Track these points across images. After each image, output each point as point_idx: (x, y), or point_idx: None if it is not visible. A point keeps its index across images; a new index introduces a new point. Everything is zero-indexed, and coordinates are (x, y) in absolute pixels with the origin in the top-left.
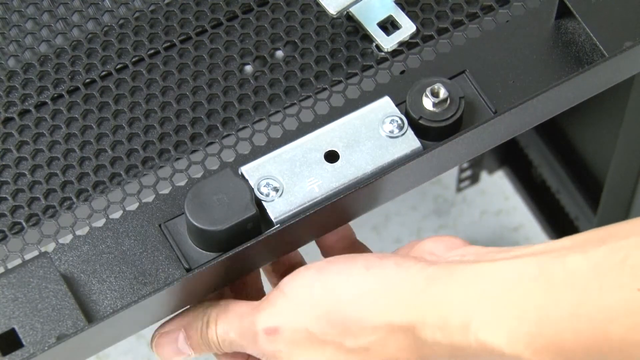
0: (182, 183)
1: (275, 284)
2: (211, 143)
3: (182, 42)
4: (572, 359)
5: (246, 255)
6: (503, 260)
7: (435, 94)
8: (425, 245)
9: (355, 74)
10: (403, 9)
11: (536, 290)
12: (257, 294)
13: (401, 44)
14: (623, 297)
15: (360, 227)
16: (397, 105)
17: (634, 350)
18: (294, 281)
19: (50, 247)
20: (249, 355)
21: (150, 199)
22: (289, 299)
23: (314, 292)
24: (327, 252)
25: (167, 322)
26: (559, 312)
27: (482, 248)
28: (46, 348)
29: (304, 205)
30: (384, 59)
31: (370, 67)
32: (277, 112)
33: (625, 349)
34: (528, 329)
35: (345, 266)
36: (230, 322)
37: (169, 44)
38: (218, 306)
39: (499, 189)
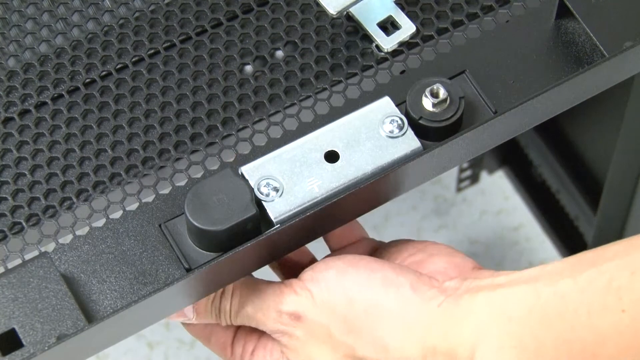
0: (182, 183)
1: (281, 276)
2: (211, 143)
3: (182, 42)
4: None
5: (246, 257)
6: (502, 288)
7: (435, 94)
8: (438, 264)
9: (355, 74)
10: (403, 9)
11: (532, 319)
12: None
13: (401, 44)
14: (610, 319)
15: None
16: (397, 105)
17: None
18: (317, 281)
19: (50, 247)
20: (252, 330)
21: (150, 199)
22: (313, 296)
23: (336, 298)
24: (332, 239)
25: None
26: (554, 339)
27: (485, 272)
28: (46, 348)
29: (304, 205)
30: (384, 59)
31: (370, 67)
32: (277, 112)
33: None
34: (527, 357)
35: (364, 277)
36: (250, 297)
37: (169, 44)
38: (237, 281)
39: (499, 189)
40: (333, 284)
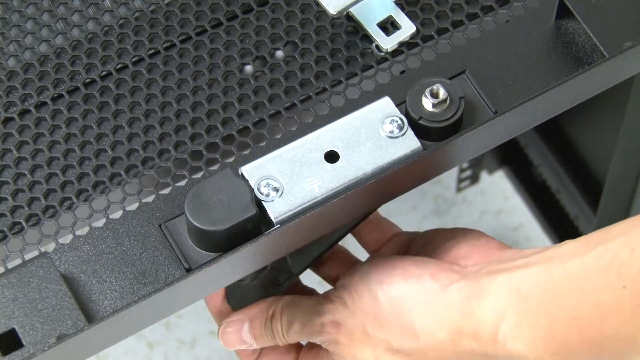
0: (182, 183)
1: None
2: (211, 143)
3: (182, 42)
4: (581, 356)
5: (246, 257)
6: (519, 269)
7: (435, 95)
8: (462, 249)
9: (355, 74)
10: (403, 9)
11: (545, 297)
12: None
13: (401, 44)
14: (612, 295)
15: None
16: (397, 106)
17: (625, 343)
18: (346, 287)
19: (50, 247)
20: (311, 347)
21: (150, 199)
22: (345, 302)
23: (363, 299)
24: (368, 243)
25: (234, 313)
26: (564, 315)
27: (507, 253)
28: (46, 348)
29: (304, 206)
30: (384, 59)
31: (370, 67)
32: (277, 112)
33: (617, 342)
34: (543, 334)
35: (385, 274)
36: (296, 314)
37: (169, 44)
38: (282, 300)
39: (499, 189)
40: (360, 287)
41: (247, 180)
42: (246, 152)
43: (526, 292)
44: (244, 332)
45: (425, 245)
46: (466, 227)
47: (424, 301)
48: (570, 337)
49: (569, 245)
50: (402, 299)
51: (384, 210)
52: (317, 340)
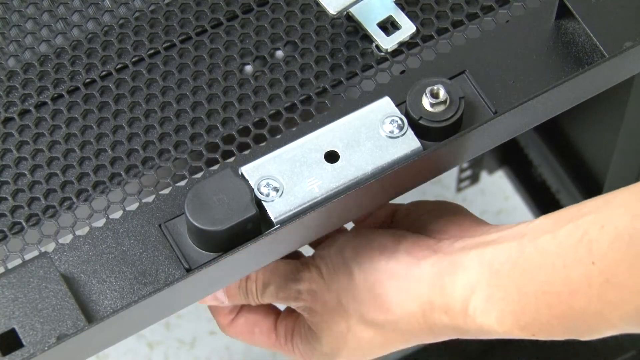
0: (182, 183)
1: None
2: (211, 143)
3: (182, 42)
4: (550, 330)
5: (246, 257)
6: (492, 245)
7: (435, 95)
8: (440, 223)
9: (355, 74)
10: (403, 9)
11: (516, 272)
12: None
13: (401, 44)
14: (581, 271)
15: None
16: (397, 106)
17: (593, 318)
18: (322, 257)
19: (50, 247)
20: (291, 311)
21: (150, 199)
22: (322, 271)
23: (339, 270)
24: None
25: None
26: (535, 290)
27: (482, 228)
28: (46, 348)
29: (304, 206)
30: (384, 59)
31: (370, 67)
32: (277, 112)
33: (586, 317)
34: (513, 308)
35: (362, 247)
36: (272, 277)
37: (169, 44)
38: None
39: (499, 189)
40: (336, 259)
41: (247, 180)
42: (246, 152)
43: (497, 267)
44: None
45: (407, 216)
46: (448, 201)
47: (398, 275)
48: (540, 312)
49: (541, 221)
50: (376, 273)
51: None
52: (292, 305)
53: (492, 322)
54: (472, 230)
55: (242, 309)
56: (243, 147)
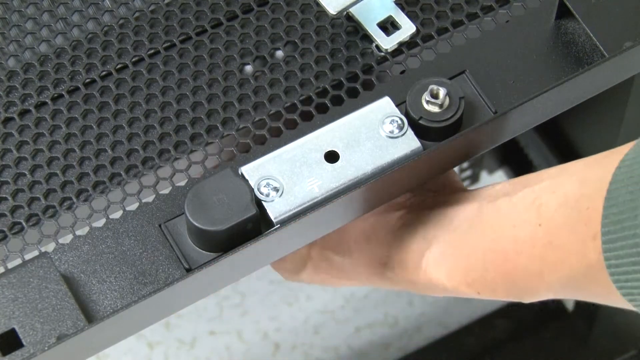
0: (182, 183)
1: None
2: (211, 143)
3: (182, 42)
4: (495, 289)
5: (246, 257)
6: (454, 205)
7: (435, 95)
8: (428, 184)
9: (355, 74)
10: (403, 9)
11: (471, 231)
12: None
13: (401, 44)
14: (528, 231)
15: None
16: (397, 106)
17: (534, 278)
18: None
19: (50, 247)
20: None
21: (150, 199)
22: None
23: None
24: None
25: None
26: (484, 248)
27: (454, 188)
28: (46, 348)
29: (304, 205)
30: (384, 59)
31: (370, 67)
32: (277, 112)
33: (528, 277)
34: (463, 264)
35: None
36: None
37: (169, 44)
38: None
39: None
40: None
41: (247, 180)
42: (246, 152)
43: (456, 225)
44: None
45: None
46: None
47: (364, 229)
48: (487, 270)
49: (503, 185)
50: (347, 229)
51: None
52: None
53: (441, 276)
54: (447, 188)
55: None
56: (243, 147)
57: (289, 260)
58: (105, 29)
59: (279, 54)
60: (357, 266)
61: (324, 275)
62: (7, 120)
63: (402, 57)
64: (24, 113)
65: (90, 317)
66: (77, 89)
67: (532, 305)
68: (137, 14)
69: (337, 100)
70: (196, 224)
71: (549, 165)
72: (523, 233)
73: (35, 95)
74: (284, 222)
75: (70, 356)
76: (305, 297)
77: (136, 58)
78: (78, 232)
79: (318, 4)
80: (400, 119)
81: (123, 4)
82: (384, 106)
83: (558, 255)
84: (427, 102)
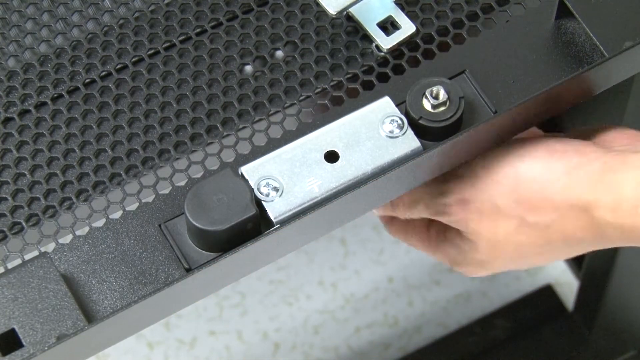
0: (182, 183)
1: None
2: (211, 143)
3: (182, 42)
4: None
5: (246, 257)
6: None
7: (435, 95)
8: (609, 134)
9: (355, 74)
10: (403, 9)
11: None
12: None
13: (401, 44)
14: None
15: (361, 227)
16: (397, 106)
17: None
18: (483, 164)
19: (50, 247)
20: (429, 221)
21: (150, 199)
22: (478, 176)
23: (500, 174)
24: None
25: None
26: None
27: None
28: (46, 348)
29: (304, 205)
30: (384, 59)
31: (371, 67)
32: (277, 112)
33: None
34: None
35: (527, 151)
36: (419, 195)
37: (169, 44)
38: None
39: None
40: (498, 162)
41: (247, 180)
42: (246, 152)
43: None
44: None
45: (574, 131)
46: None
47: (566, 174)
48: None
49: None
50: (543, 173)
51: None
52: (442, 219)
53: None
54: None
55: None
56: (243, 147)
57: (482, 249)
58: (105, 29)
59: (279, 54)
60: (564, 222)
61: (525, 250)
62: (7, 120)
63: (402, 57)
64: (24, 113)
65: (90, 317)
66: (77, 89)
67: (532, 305)
68: (137, 14)
69: (337, 100)
70: (196, 224)
71: None
72: None
73: (35, 95)
74: (284, 222)
75: (70, 356)
76: (305, 297)
77: (136, 58)
78: (78, 232)
79: (318, 4)
80: (400, 119)
81: (123, 4)
82: (384, 106)
83: None
84: (427, 102)
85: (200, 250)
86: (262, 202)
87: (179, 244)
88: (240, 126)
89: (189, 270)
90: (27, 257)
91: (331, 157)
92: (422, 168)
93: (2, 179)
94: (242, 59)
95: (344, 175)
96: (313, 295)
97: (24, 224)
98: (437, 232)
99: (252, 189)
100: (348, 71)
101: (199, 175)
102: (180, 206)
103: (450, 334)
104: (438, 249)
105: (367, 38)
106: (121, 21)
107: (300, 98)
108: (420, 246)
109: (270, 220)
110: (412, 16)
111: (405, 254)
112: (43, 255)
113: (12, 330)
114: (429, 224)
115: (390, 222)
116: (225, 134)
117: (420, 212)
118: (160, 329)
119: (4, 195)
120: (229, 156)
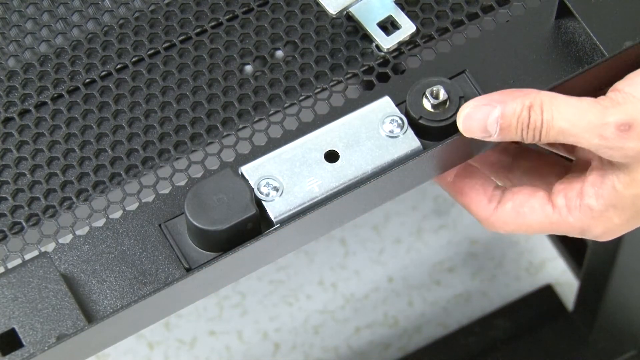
0: (182, 183)
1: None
2: (211, 143)
3: (182, 42)
4: None
5: (246, 257)
6: None
7: (435, 94)
8: None
9: (355, 74)
10: (403, 9)
11: None
12: None
13: (401, 44)
14: None
15: (360, 227)
16: (397, 105)
17: None
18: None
19: (50, 247)
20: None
21: (150, 199)
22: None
23: None
24: None
25: (481, 97)
26: None
27: None
28: (46, 348)
29: (304, 205)
30: (384, 59)
31: (370, 67)
32: (277, 112)
33: None
34: None
35: None
36: (564, 111)
37: (169, 44)
38: (544, 94)
39: None
40: None
41: (247, 180)
42: (246, 152)
43: None
44: (490, 119)
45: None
46: None
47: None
48: None
49: None
50: None
51: (384, 210)
52: (591, 144)
53: None
54: None
55: (505, 194)
56: (243, 147)
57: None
58: (105, 29)
59: (279, 54)
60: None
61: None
62: (7, 120)
63: (402, 57)
64: (24, 113)
65: (90, 317)
66: (77, 89)
67: (532, 305)
68: (137, 14)
69: (337, 100)
70: (196, 224)
71: None
72: None
73: (35, 95)
74: (284, 221)
75: (70, 356)
76: (305, 297)
77: (136, 58)
78: (78, 232)
79: (318, 4)
80: (400, 119)
81: (123, 4)
82: (384, 106)
83: None
84: (427, 101)
85: (200, 250)
86: (262, 201)
87: (179, 243)
88: (240, 126)
89: (189, 270)
90: (27, 257)
91: (331, 156)
92: (422, 168)
93: (2, 179)
94: (242, 58)
95: (344, 175)
96: (313, 295)
97: (24, 223)
98: (568, 195)
99: (252, 189)
100: (348, 71)
101: (199, 175)
102: (180, 206)
103: (450, 334)
104: (573, 213)
105: (367, 38)
106: (121, 21)
107: (300, 98)
108: (542, 222)
109: (271, 220)
110: (412, 16)
111: (405, 254)
112: (43, 255)
113: (12, 330)
114: (549, 194)
115: (496, 212)
116: (225, 133)
117: (559, 134)
118: (160, 329)
119: (4, 195)
120: (229, 156)
